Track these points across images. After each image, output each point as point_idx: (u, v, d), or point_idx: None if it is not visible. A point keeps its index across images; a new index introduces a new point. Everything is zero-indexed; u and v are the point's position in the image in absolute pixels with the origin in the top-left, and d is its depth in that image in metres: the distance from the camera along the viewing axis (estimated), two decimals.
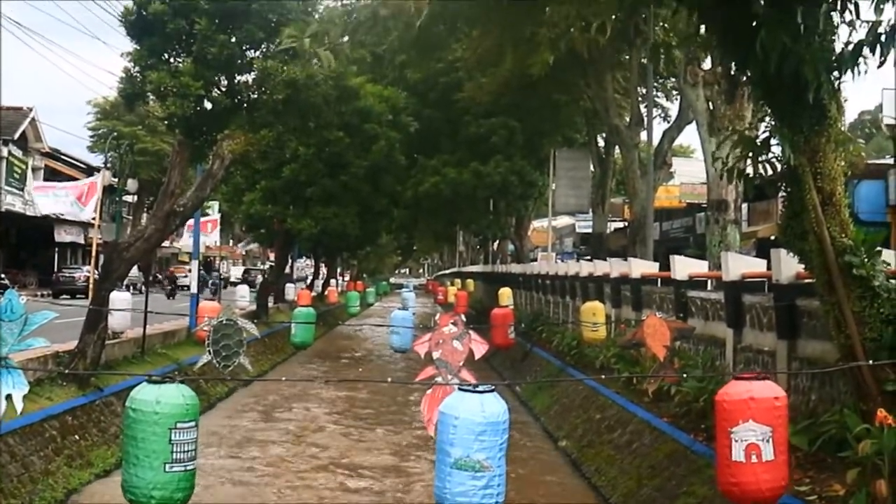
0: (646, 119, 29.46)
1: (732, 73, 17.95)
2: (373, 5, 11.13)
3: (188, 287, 31.80)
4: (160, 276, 62.25)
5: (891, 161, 36.76)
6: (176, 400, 6.93)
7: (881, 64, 8.87)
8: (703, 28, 10.79)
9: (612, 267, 23.41)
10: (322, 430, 20.16)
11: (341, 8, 11.95)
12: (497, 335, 21.76)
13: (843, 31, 9.28)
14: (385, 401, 23.75)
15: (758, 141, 9.98)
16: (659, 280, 20.38)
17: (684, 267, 18.12)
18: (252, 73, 18.28)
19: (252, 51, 18.34)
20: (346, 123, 36.13)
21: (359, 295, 51.76)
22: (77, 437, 14.94)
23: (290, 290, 47.06)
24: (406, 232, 68.90)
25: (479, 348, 8.63)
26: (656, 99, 40.93)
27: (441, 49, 34.42)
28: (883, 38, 8.75)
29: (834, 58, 9.11)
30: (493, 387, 6.31)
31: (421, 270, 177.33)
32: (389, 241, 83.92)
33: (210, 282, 48.21)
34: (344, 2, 12.07)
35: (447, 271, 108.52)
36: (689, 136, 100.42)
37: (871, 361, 8.86)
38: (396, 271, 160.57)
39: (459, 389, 6.37)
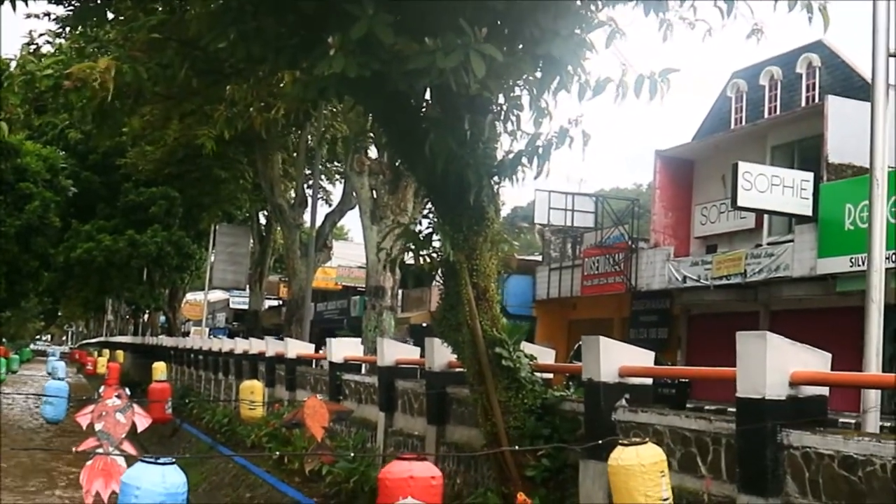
0: (310, 201, 29.93)
1: (397, 165, 18.73)
2: (54, 76, 10.78)
3: None
4: None
5: (539, 258, 39.56)
6: None
7: (538, 174, 9.68)
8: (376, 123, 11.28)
9: (267, 346, 23.44)
10: None
11: (22, 77, 11.41)
12: (154, 410, 21.20)
13: (505, 140, 10.07)
14: (30, 470, 22.45)
15: (421, 235, 10.53)
16: (314, 361, 20.64)
17: (340, 349, 18.48)
18: None
19: None
20: None
21: (5, 361, 48.79)
22: None
23: None
24: (53, 296, 65.70)
25: (142, 421, 8.57)
26: (319, 182, 41.68)
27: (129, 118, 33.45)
28: (540, 150, 9.57)
29: (495, 164, 9.84)
30: (174, 459, 6.39)
31: (64, 338, 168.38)
32: (34, 304, 79.74)
33: None
34: (25, 70, 11.52)
35: (94, 340, 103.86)
36: (347, 219, 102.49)
37: (515, 447, 9.50)
38: (38, 337, 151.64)
39: (141, 461, 6.39)
